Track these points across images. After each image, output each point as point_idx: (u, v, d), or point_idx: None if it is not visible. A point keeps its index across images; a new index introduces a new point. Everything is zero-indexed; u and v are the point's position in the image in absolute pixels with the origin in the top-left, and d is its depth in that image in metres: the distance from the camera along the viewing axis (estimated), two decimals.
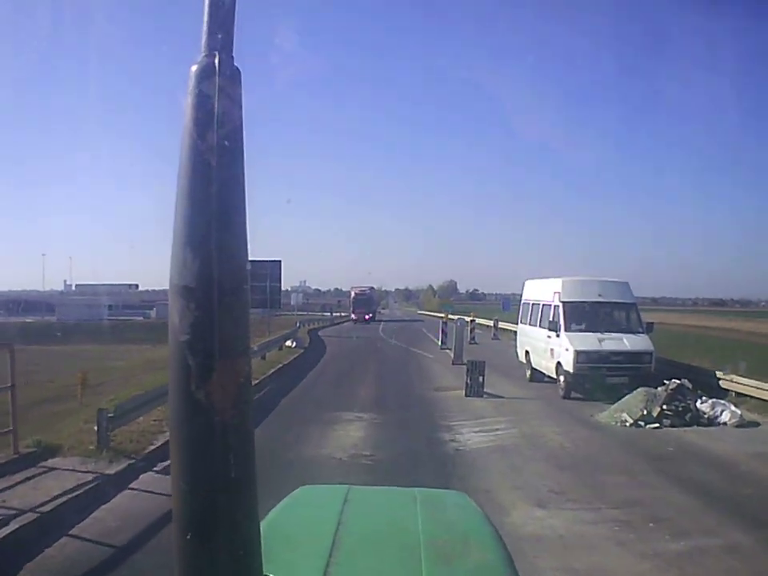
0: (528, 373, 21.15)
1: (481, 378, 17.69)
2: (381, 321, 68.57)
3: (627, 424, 14.25)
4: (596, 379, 17.26)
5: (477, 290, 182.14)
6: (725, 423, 14.41)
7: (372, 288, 74.37)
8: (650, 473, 10.81)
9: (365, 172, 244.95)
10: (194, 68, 1.18)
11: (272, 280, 41.75)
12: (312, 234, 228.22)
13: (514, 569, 2.33)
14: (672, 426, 14.19)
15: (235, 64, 1.20)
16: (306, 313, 78.75)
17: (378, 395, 18.00)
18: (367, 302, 67.75)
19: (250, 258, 1.26)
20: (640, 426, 14.18)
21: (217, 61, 1.17)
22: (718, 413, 14.63)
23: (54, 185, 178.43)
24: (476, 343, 34.79)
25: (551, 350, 18.70)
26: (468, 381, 17.69)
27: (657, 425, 14.17)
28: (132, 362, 20.95)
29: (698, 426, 14.33)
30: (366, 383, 20.11)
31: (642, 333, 18.11)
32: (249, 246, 1.21)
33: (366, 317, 64.26)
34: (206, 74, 1.17)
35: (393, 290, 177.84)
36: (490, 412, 15.64)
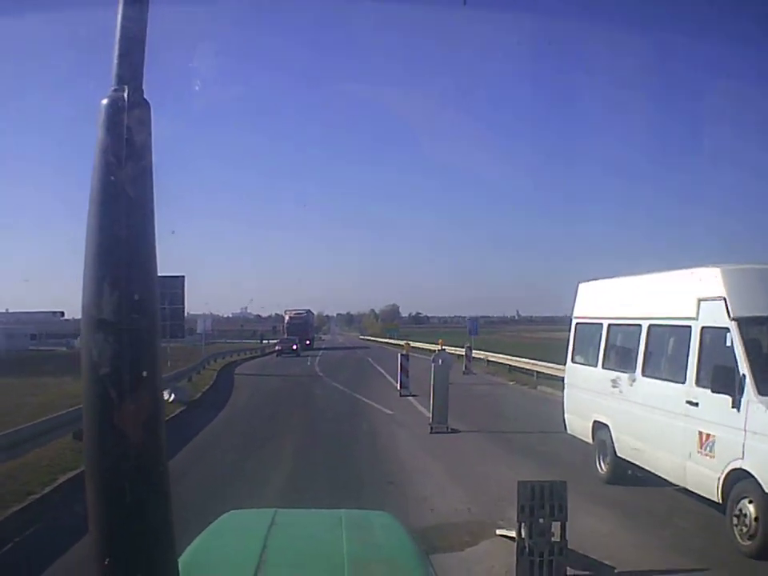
0: (603, 465, 9.82)
1: (558, 532, 6.21)
2: (320, 349, 56.76)
3: None
4: None
5: (420, 314, 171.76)
6: None
7: (309, 311, 62.38)
8: None
9: (302, 201, 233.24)
10: (104, 101, 1.17)
11: (173, 301, 30.33)
12: (251, 261, 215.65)
13: None
14: None
15: (145, 96, 1.19)
16: (239, 341, 66.86)
17: None
18: (303, 326, 55.58)
19: None
20: None
21: (126, 94, 1.16)
22: None
23: None
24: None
25: (703, 435, 7.38)
26: (525, 543, 6.16)
27: None
28: (49, 396, 16.82)
29: None
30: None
31: None
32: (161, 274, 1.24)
33: (294, 346, 46.76)
34: (115, 107, 1.16)
35: (334, 314, 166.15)
36: None
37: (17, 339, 57.33)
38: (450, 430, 13.75)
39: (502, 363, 29.65)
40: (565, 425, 11.17)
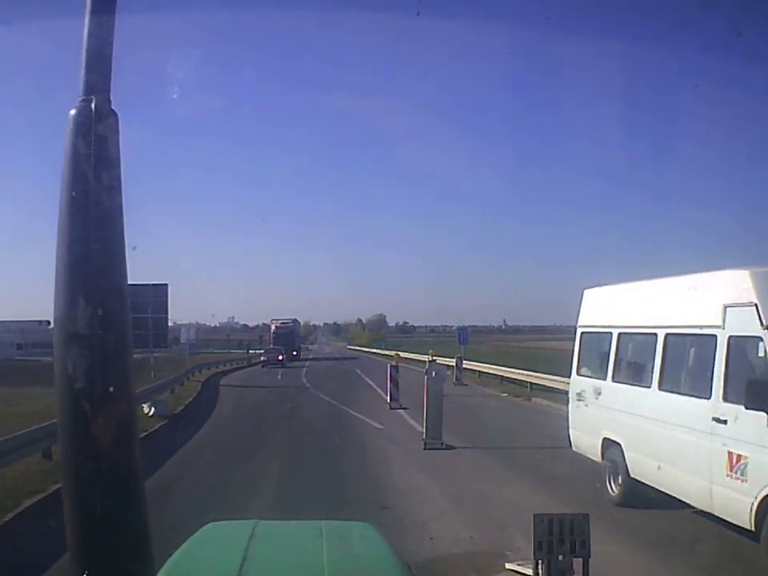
0: (614, 486, 9.07)
1: (580, 570, 5.43)
2: (306, 359, 55.84)
3: None
4: None
5: (407, 323, 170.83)
6: None
7: (296, 320, 61.26)
8: None
9: (289, 210, 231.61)
10: (72, 112, 1.18)
11: (155, 310, 29.48)
12: (238, 270, 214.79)
13: None
14: None
15: (113, 107, 1.20)
16: (224, 351, 65.93)
17: None
18: (289, 336, 54.53)
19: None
20: None
21: (94, 104, 1.18)
22: None
23: None
24: None
25: (734, 456, 6.65)
26: None
27: None
28: (34, 407, 16.16)
29: None
30: None
31: None
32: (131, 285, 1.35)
33: (280, 357, 44.41)
34: (83, 117, 1.17)
35: (321, 324, 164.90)
36: None
37: (2, 348, 55.61)
38: (444, 446, 12.96)
39: (494, 374, 28.93)
40: (570, 441, 10.41)
